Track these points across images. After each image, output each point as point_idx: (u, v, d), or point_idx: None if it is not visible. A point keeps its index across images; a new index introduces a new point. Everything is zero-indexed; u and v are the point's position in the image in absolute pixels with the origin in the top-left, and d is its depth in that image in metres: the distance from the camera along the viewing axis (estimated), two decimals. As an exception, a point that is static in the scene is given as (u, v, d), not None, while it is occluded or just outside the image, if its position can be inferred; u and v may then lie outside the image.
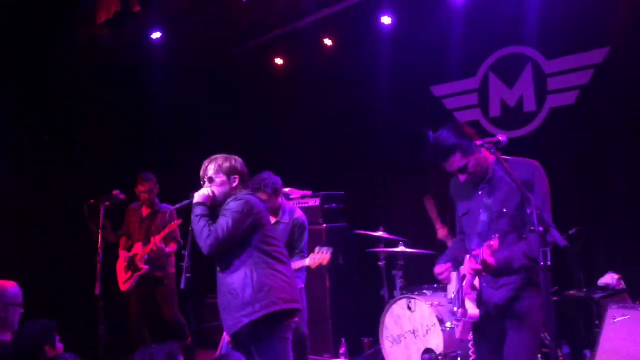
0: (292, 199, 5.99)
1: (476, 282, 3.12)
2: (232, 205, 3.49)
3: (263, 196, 4.50)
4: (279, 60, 7.30)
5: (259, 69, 7.39)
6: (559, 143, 5.38)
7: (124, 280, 5.64)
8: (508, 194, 3.05)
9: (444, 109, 6.29)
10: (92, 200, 4.74)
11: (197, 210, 3.53)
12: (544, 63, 5.55)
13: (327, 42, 6.80)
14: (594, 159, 5.28)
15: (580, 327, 4.75)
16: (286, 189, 6.00)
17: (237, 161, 3.67)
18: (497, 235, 2.91)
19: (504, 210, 3.05)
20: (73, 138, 6.54)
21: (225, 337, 3.80)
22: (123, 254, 5.76)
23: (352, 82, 6.88)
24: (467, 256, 3.15)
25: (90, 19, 4.96)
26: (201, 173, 3.68)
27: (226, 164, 3.63)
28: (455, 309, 3.19)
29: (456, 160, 3.07)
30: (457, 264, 3.24)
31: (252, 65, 7.36)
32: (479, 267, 2.98)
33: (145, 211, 5.80)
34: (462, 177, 3.14)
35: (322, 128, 7.18)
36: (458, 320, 3.15)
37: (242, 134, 7.31)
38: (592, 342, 4.43)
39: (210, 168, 3.64)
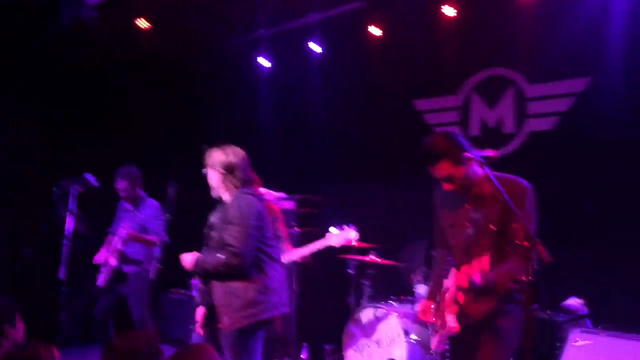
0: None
1: (460, 297, 3.12)
2: (232, 211, 3.49)
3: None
4: (264, 61, 7.27)
5: (244, 67, 7.35)
6: (535, 166, 5.45)
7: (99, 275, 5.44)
8: (495, 210, 3.04)
9: (424, 123, 6.34)
10: (62, 182, 4.61)
11: (199, 269, 3.55)
12: (526, 87, 5.66)
13: (314, 47, 6.81)
14: (568, 184, 5.38)
15: (541, 348, 4.82)
16: (262, 190, 5.97)
17: (227, 154, 3.65)
18: (487, 255, 2.88)
19: (491, 226, 3.05)
20: (51, 120, 6.39)
21: (197, 328, 3.74)
22: (103, 252, 5.50)
23: (336, 89, 6.89)
24: (453, 270, 3.15)
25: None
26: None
27: (216, 158, 3.64)
28: (432, 319, 3.20)
29: (444, 168, 3.05)
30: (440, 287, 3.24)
31: (237, 63, 7.31)
32: (465, 285, 2.96)
33: (128, 207, 5.59)
34: (446, 186, 3.14)
35: (302, 132, 7.16)
36: (435, 332, 3.15)
37: (223, 130, 7.25)
38: (551, 364, 4.50)
39: (206, 160, 3.68)
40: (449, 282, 3.14)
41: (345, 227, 4.77)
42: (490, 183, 2.89)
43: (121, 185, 5.46)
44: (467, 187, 3.13)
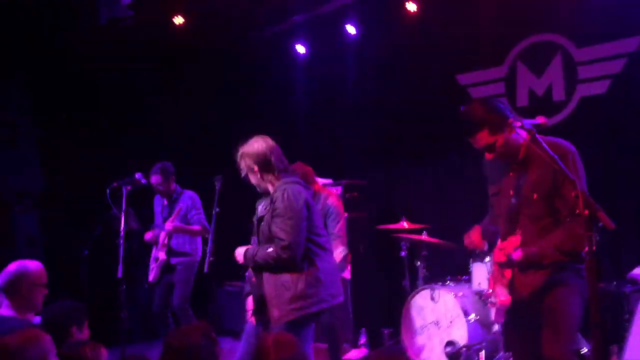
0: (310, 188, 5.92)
1: (507, 271, 3.03)
2: (279, 203, 3.41)
3: None
4: (301, 47, 7.21)
5: (281, 54, 7.31)
6: (589, 133, 5.25)
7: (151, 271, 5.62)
8: (541, 177, 2.93)
9: (469, 98, 6.17)
10: (114, 184, 4.70)
11: (249, 262, 3.51)
12: (575, 51, 5.42)
13: (351, 29, 6.71)
14: (624, 149, 5.16)
15: (608, 321, 4.64)
16: (328, 180, 5.96)
17: (255, 148, 3.55)
18: (520, 231, 2.79)
19: (535, 194, 2.93)
20: (96, 123, 6.52)
21: (248, 317, 3.74)
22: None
23: (376, 69, 6.77)
24: (499, 241, 3.07)
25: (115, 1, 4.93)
26: None
27: (245, 160, 3.57)
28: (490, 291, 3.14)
29: (483, 137, 2.94)
30: (486, 234, 3.18)
31: (273, 51, 7.29)
32: (503, 260, 2.88)
33: (165, 201, 5.72)
34: (488, 156, 3.03)
35: (345, 116, 7.09)
36: (492, 303, 3.09)
37: (262, 119, 7.25)
38: (619, 337, 4.33)
39: (241, 164, 3.61)
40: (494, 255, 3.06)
41: None
42: (539, 147, 2.74)
43: (155, 180, 5.55)
44: (510, 154, 3.01)
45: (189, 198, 5.63)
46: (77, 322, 3.14)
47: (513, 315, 3.08)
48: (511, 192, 3.03)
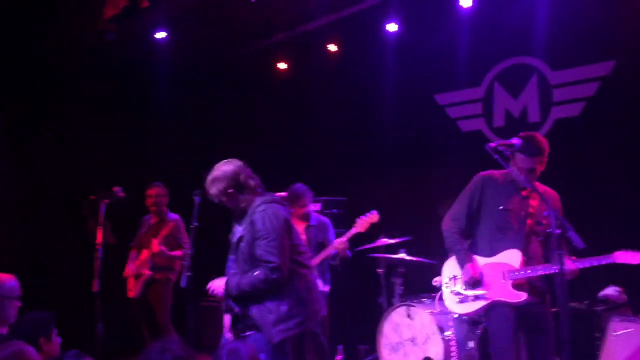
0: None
1: None
2: (260, 225, 3.37)
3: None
4: (282, 65, 7.27)
5: (263, 72, 7.36)
6: (562, 155, 5.34)
7: (131, 288, 5.71)
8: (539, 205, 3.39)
9: (447, 117, 6.27)
10: (92, 197, 4.67)
11: (232, 291, 3.45)
12: (550, 74, 5.56)
13: (332, 47, 6.78)
14: (597, 171, 5.27)
15: (581, 340, 4.71)
16: (284, 194, 5.98)
17: (222, 171, 3.51)
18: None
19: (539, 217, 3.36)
20: (75, 135, 6.47)
21: (226, 333, 3.72)
22: (131, 265, 5.79)
23: (356, 89, 6.86)
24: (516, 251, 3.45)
25: (97, 14, 4.93)
26: None
27: (217, 185, 3.50)
28: None
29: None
30: None
31: (256, 69, 7.33)
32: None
33: (153, 220, 5.85)
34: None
35: (325, 134, 7.14)
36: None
37: (243, 136, 7.27)
38: (592, 355, 4.39)
39: (212, 191, 3.53)
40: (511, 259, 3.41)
41: (369, 213, 5.17)
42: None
43: (152, 192, 5.74)
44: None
45: (175, 220, 5.77)
46: (44, 332, 3.10)
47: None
48: (522, 213, 3.44)
